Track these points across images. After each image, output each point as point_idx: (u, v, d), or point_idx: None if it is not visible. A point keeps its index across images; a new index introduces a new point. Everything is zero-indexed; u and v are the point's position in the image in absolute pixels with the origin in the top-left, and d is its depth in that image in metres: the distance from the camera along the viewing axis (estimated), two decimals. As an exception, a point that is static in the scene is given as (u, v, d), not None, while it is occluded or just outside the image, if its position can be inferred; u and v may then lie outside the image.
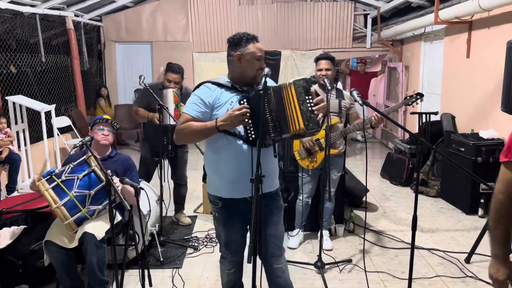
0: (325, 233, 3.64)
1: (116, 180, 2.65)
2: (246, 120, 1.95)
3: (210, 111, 2.07)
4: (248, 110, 1.95)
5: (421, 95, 3.15)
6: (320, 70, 3.31)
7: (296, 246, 3.61)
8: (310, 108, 1.93)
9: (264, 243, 2.22)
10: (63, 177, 2.57)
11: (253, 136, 1.99)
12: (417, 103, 3.16)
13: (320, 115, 1.96)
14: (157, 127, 3.68)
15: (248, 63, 2.05)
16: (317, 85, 3.34)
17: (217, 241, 3.70)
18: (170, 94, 3.64)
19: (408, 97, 3.18)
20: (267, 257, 2.24)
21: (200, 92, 2.11)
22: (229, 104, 2.05)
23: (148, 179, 3.94)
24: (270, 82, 2.13)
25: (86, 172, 2.62)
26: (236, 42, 2.07)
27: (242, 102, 1.99)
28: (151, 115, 3.75)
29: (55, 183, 2.54)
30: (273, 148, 2.05)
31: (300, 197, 3.57)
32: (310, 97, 1.95)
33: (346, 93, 3.46)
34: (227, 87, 2.10)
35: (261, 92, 1.96)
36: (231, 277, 2.37)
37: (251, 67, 2.06)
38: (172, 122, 3.59)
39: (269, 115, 1.95)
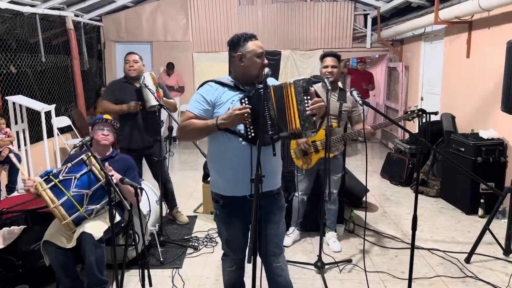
0: (333, 234, 3.65)
1: (115, 174, 2.65)
2: (247, 119, 1.96)
3: (212, 109, 2.09)
4: (249, 110, 1.95)
5: (423, 111, 3.17)
6: (326, 67, 3.30)
7: (290, 244, 3.60)
8: (306, 108, 1.93)
9: (264, 242, 2.23)
10: (61, 177, 2.57)
11: (253, 134, 2.00)
12: (415, 119, 3.19)
13: (317, 116, 1.95)
14: (133, 124, 3.69)
15: (250, 61, 2.07)
16: (320, 84, 3.33)
17: (217, 241, 3.72)
18: (148, 77, 3.58)
19: (409, 112, 3.19)
20: (267, 255, 2.25)
21: (202, 90, 2.14)
22: (230, 103, 2.07)
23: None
24: (272, 81, 2.14)
25: (83, 171, 2.62)
26: (235, 43, 2.09)
27: (243, 101, 2.00)
28: (126, 105, 3.65)
29: (52, 183, 2.54)
30: (273, 146, 2.04)
31: (296, 194, 3.61)
32: (308, 97, 1.95)
33: (349, 96, 3.42)
34: (230, 87, 2.11)
35: (261, 90, 1.97)
36: (232, 275, 2.37)
37: (253, 65, 2.07)
38: (154, 102, 3.54)
39: (267, 113, 1.97)
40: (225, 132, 2.06)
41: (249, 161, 2.01)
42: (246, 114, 1.95)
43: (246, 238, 2.28)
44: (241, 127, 2.04)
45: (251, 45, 2.06)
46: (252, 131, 2.00)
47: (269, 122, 1.96)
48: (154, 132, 3.82)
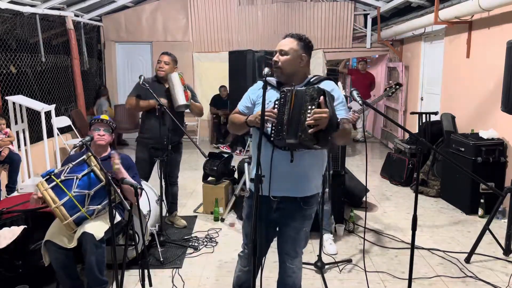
0: (329, 236, 3.62)
1: (116, 156, 2.72)
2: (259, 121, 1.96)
3: (253, 107, 2.19)
4: (258, 114, 1.96)
5: (400, 85, 3.21)
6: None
7: None
8: (307, 119, 1.84)
9: (281, 240, 2.26)
10: (62, 177, 2.57)
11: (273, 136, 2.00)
12: (395, 93, 3.23)
13: (313, 128, 1.80)
14: (157, 122, 3.57)
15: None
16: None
17: (217, 241, 3.73)
18: (175, 77, 3.53)
19: (387, 88, 3.23)
20: (282, 254, 2.27)
21: (251, 88, 2.26)
22: (267, 103, 2.04)
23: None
24: (326, 85, 2.10)
25: (85, 172, 2.62)
26: None
27: (276, 102, 1.99)
28: (153, 101, 3.52)
29: (54, 183, 2.53)
30: (291, 153, 2.01)
31: None
32: (313, 107, 1.85)
33: None
34: (273, 87, 2.14)
35: (282, 93, 1.96)
36: (242, 275, 2.34)
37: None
38: (183, 102, 3.48)
39: (281, 118, 1.93)
40: (256, 130, 2.11)
41: (269, 161, 1.99)
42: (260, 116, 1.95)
43: (266, 243, 2.26)
44: (269, 128, 2.03)
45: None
46: (273, 133, 1.99)
47: (279, 127, 1.93)
48: (179, 134, 3.77)
